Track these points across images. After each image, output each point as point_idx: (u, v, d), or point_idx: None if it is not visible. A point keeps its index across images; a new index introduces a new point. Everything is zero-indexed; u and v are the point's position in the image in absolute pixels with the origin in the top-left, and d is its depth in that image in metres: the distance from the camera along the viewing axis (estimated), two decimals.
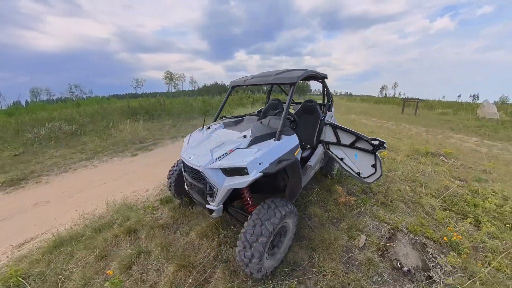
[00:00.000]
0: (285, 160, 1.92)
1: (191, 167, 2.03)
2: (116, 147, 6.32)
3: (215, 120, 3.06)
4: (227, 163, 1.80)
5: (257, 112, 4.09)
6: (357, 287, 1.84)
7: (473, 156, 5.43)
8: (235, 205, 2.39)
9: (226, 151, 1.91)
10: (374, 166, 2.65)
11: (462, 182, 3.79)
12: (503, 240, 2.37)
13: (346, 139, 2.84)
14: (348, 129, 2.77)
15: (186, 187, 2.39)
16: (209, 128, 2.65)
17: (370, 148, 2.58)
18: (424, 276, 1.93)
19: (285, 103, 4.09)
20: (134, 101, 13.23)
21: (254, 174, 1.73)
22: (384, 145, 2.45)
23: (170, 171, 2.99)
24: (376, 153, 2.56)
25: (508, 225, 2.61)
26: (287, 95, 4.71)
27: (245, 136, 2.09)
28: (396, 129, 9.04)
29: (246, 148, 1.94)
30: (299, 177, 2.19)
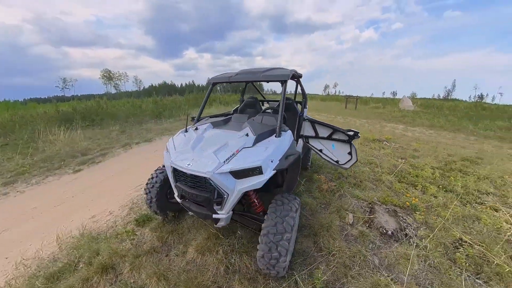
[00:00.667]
0: (291, 155, 1.96)
1: (191, 175, 1.80)
2: (49, 163, 4.96)
3: (197, 121, 2.83)
4: (238, 164, 1.68)
5: (233, 111, 4.01)
6: (361, 256, 2.09)
7: (404, 139, 6.92)
8: (236, 209, 2.28)
9: (233, 152, 1.79)
10: (350, 153, 3.02)
11: (404, 160, 4.79)
12: (440, 198, 3.15)
13: (324, 132, 3.13)
14: (325, 123, 3.06)
15: (178, 200, 2.10)
16: (196, 129, 2.42)
17: (346, 138, 2.93)
18: (403, 235, 2.37)
19: (263, 101, 4.18)
20: (64, 104, 10.63)
21: (268, 173, 1.69)
22: (358, 134, 2.83)
23: (148, 184, 2.54)
24: (351, 142, 2.93)
25: (440, 186, 3.50)
26: (260, 93, 4.82)
27: (247, 135, 2.01)
28: (344, 122, 10.56)
29: (252, 147, 1.88)
30: (298, 170, 2.28)
